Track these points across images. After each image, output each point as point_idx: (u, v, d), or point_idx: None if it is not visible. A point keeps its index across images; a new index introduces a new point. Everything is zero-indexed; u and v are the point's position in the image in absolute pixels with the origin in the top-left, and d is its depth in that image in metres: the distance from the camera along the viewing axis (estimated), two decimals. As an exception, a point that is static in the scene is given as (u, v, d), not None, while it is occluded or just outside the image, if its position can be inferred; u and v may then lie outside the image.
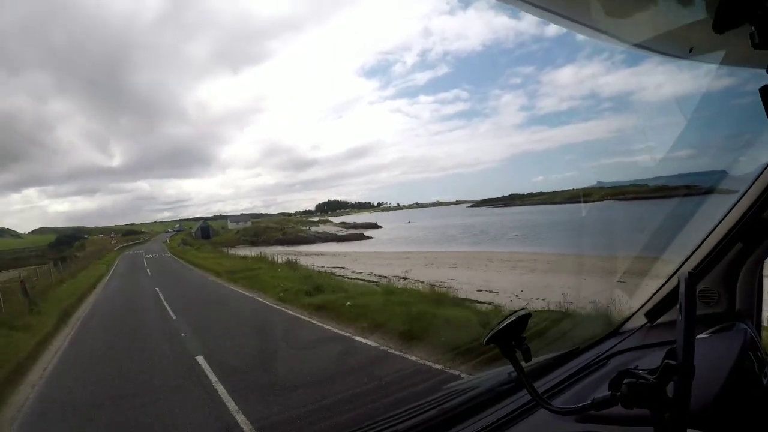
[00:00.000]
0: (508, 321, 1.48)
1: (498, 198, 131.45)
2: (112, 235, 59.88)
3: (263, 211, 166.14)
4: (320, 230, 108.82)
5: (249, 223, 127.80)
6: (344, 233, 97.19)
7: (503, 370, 1.82)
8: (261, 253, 35.02)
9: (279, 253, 36.83)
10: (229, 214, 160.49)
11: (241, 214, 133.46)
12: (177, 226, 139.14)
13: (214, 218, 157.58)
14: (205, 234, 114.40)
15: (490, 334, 1.49)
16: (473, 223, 75.32)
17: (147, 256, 50.54)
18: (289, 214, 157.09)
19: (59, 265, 36.30)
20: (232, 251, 48.36)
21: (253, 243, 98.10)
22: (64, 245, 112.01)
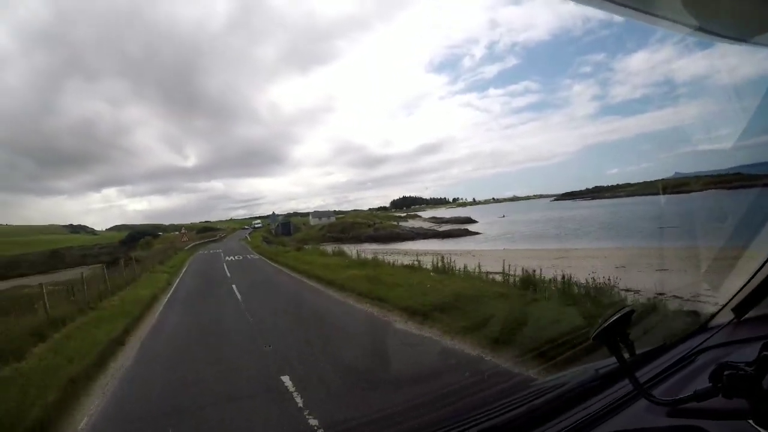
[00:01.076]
0: (613, 318, 1.53)
1: (582, 191, 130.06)
2: (183, 231, 46.21)
3: (335, 209, 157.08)
4: (413, 226, 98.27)
5: (332, 219, 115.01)
6: (442, 229, 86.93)
7: (590, 367, 1.87)
8: (374, 254, 25.17)
9: (384, 252, 29.41)
10: (302, 211, 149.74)
11: (324, 210, 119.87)
12: (257, 222, 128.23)
13: (288, 215, 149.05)
14: (286, 230, 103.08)
15: (596, 331, 1.55)
16: (570, 216, 72.41)
17: (227, 258, 36.94)
18: (362, 212, 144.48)
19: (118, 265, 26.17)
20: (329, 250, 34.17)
21: (340, 240, 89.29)
22: (135, 241, 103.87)
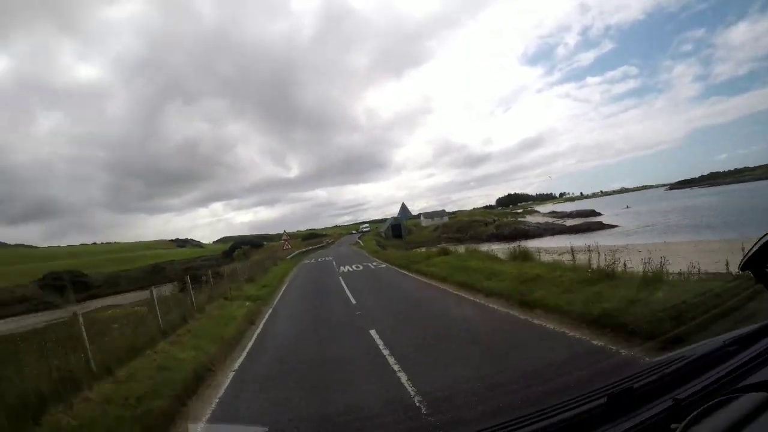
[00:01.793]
0: (756, 246, 1.48)
1: (697, 178, 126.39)
2: (285, 237, 35.55)
3: (439, 209, 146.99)
4: (537, 221, 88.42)
5: (445, 219, 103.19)
6: (570, 223, 78.25)
7: (719, 338, 1.75)
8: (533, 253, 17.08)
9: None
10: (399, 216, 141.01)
11: (435, 210, 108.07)
12: (365, 226, 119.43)
13: (383, 221, 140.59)
14: (397, 232, 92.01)
15: (743, 261, 1.52)
16: (700, 204, 69.27)
17: (342, 268, 26.28)
18: (471, 210, 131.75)
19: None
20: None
21: (459, 240, 78.00)
22: (247, 252, 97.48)
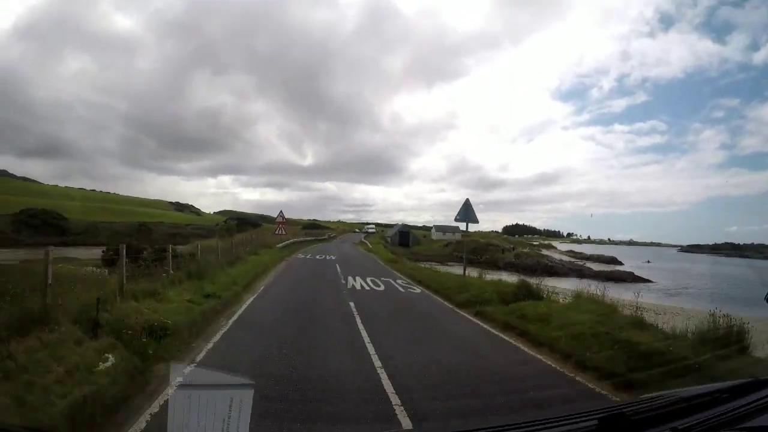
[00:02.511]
0: None
1: (711, 245, 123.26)
2: (278, 221, 25.71)
3: (440, 224, 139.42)
4: (560, 258, 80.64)
5: (458, 236, 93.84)
6: (596, 268, 69.51)
7: (717, 386, 1.78)
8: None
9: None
10: (411, 224, 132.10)
11: (449, 225, 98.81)
12: (371, 227, 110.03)
13: (389, 226, 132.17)
14: (404, 240, 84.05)
15: None
16: (730, 273, 59.70)
17: (352, 282, 17.77)
18: (470, 234, 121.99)
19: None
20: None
21: (471, 263, 67.23)
22: (231, 229, 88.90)
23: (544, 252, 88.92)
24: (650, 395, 1.81)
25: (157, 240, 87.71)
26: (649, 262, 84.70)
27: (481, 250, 78.93)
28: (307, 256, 28.36)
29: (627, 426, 1.40)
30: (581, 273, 60.65)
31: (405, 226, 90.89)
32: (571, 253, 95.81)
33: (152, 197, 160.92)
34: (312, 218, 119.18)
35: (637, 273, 58.30)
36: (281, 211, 28.99)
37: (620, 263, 77.90)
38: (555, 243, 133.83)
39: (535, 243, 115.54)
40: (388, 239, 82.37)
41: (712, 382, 2.22)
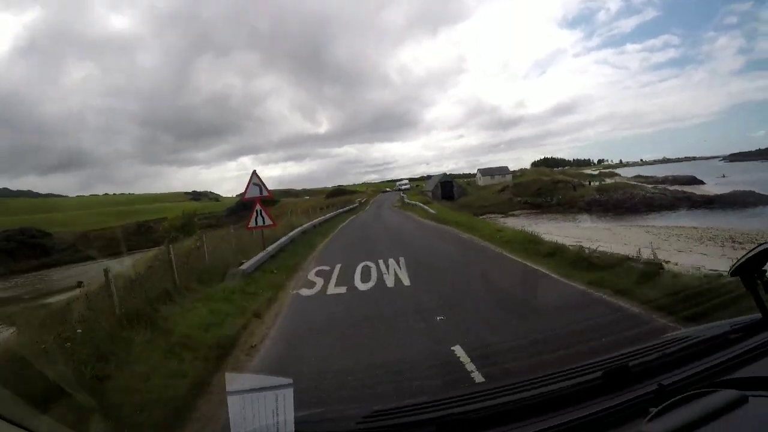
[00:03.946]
0: (751, 254, 1.48)
1: (755, 151, 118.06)
2: (255, 199, 7.15)
3: (467, 172, 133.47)
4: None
5: (508, 177, 76.49)
6: (705, 192, 54.70)
7: (726, 323, 1.76)
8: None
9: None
10: (434, 174, 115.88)
11: (496, 167, 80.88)
12: (404, 182, 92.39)
13: (421, 179, 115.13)
14: (448, 192, 67.67)
15: (734, 266, 1.52)
16: None
17: None
18: (525, 172, 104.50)
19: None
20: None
21: (539, 207, 57.78)
22: (245, 210, 75.14)
23: (607, 181, 71.27)
24: (661, 339, 1.76)
25: (159, 239, 72.86)
26: (724, 176, 73.40)
27: (548, 189, 61.64)
28: (336, 257, 12.40)
29: (629, 378, 1.42)
30: (691, 202, 47.06)
31: (446, 175, 73.40)
32: (639, 178, 78.28)
33: (177, 190, 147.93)
34: (337, 184, 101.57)
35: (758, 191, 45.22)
36: (254, 180, 11.90)
37: (700, 182, 67.54)
38: (619, 170, 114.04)
39: (594, 173, 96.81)
40: (429, 194, 65.36)
41: None
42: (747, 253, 1.49)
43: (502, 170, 78.26)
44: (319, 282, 9.30)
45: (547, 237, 13.01)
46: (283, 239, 14.32)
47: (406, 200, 45.25)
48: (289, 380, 1.38)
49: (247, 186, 12.21)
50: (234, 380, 1.64)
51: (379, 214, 35.02)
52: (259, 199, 12.22)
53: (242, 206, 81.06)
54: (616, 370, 1.44)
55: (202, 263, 9.86)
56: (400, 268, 9.93)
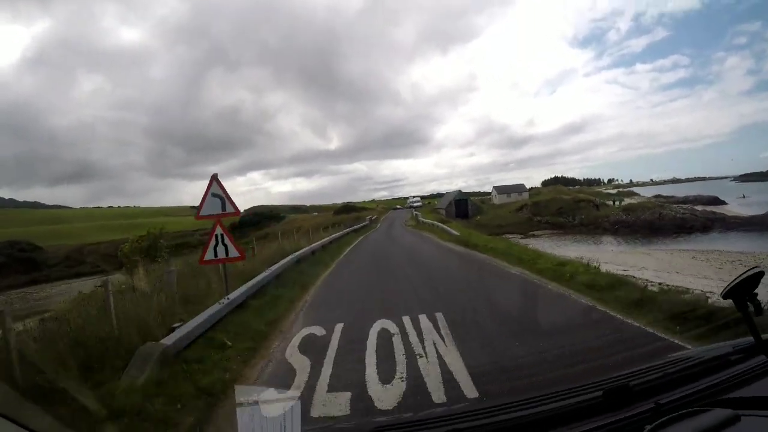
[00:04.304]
0: (742, 277, 1.50)
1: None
2: (215, 218, 8.69)
3: (478, 190, 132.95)
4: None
5: (525, 195, 72.27)
6: (731, 213, 51.24)
7: (726, 344, 1.79)
8: None
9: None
10: (447, 191, 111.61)
11: (511, 184, 76.75)
12: (415, 199, 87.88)
13: (432, 196, 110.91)
14: (462, 210, 63.53)
15: (726, 289, 1.54)
16: None
17: None
18: (540, 191, 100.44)
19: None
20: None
21: (562, 228, 53.53)
22: (249, 226, 68.80)
23: (626, 201, 66.81)
24: (664, 360, 1.80)
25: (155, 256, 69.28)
26: (744, 197, 71.39)
27: (570, 208, 57.26)
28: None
29: (629, 397, 1.43)
30: (726, 224, 43.39)
31: (461, 192, 69.21)
32: (659, 198, 74.00)
33: (183, 204, 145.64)
34: (347, 201, 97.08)
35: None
36: (214, 189, 7.80)
37: (723, 202, 64.48)
38: (636, 189, 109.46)
39: (611, 191, 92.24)
40: (442, 211, 61.24)
41: None
42: (739, 276, 1.50)
43: (519, 188, 74.01)
44: (303, 371, 4.98)
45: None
46: (265, 275, 9.98)
47: (421, 219, 41.03)
48: (297, 393, 1.31)
49: (204, 198, 7.95)
50: (243, 393, 1.57)
51: (392, 235, 30.84)
52: (219, 219, 7.95)
53: (246, 222, 77.24)
54: (615, 389, 1.45)
55: (103, 328, 5.59)
56: (442, 339, 5.65)
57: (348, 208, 74.84)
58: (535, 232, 52.51)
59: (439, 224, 30.90)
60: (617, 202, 59.10)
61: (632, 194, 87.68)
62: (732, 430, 1.17)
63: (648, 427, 1.22)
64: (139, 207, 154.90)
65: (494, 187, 74.64)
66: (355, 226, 37.06)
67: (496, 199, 71.89)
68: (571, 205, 56.96)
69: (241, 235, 70.86)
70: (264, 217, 75.39)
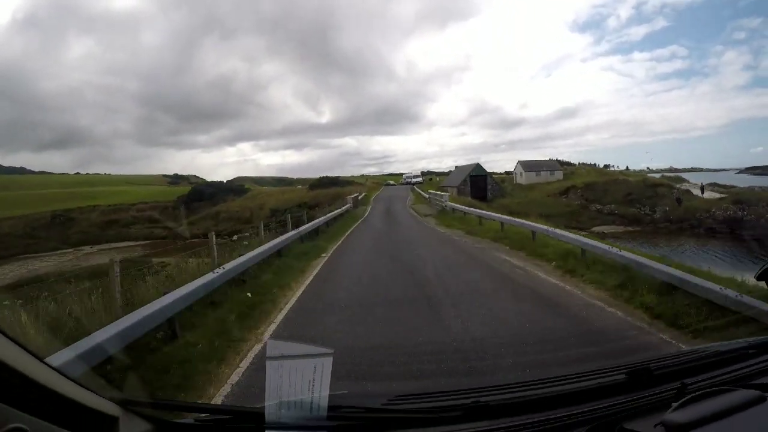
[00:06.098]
0: None
1: None
2: None
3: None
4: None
5: (557, 174, 53.81)
6: None
7: (751, 339, 1.74)
8: None
9: None
10: (435, 170, 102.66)
11: (541, 160, 57.69)
12: (413, 173, 67.64)
13: (428, 173, 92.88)
14: (480, 190, 44.69)
15: (760, 270, 1.50)
16: None
17: None
18: (585, 169, 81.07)
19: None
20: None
21: (637, 222, 36.04)
22: (201, 200, 49.36)
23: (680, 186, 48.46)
24: (683, 350, 1.78)
25: (71, 236, 49.94)
26: None
27: (643, 196, 38.85)
28: None
29: (652, 380, 1.40)
30: None
31: (478, 167, 50.02)
32: (715, 186, 55.71)
33: (173, 173, 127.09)
34: (335, 175, 74.88)
35: None
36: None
37: None
38: (687, 176, 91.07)
39: (655, 176, 73.73)
40: (451, 190, 41.97)
41: None
42: None
43: (551, 165, 55.11)
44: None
45: None
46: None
47: (446, 203, 22.08)
48: (330, 350, 1.33)
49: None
50: (275, 347, 1.50)
51: (398, 234, 15.23)
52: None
53: (198, 194, 57.98)
54: (640, 371, 1.42)
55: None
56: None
57: (327, 182, 54.87)
58: (602, 229, 34.17)
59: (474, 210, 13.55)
60: (701, 191, 40.45)
61: (680, 180, 68.69)
62: (757, 410, 1.14)
63: (674, 404, 1.18)
64: (110, 175, 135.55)
65: (520, 162, 55.43)
66: (329, 215, 18.36)
67: (522, 178, 53.03)
68: (644, 191, 38.28)
69: (189, 212, 50.97)
70: (222, 190, 56.27)
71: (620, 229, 34.65)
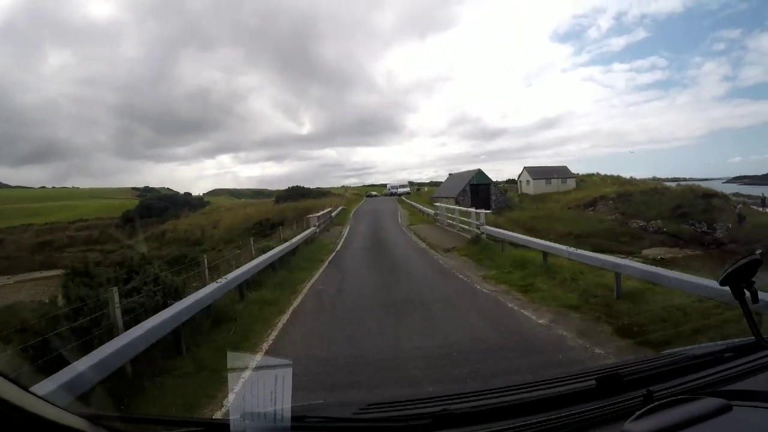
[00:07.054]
0: (739, 264, 1.42)
1: (761, 175, 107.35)
2: None
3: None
4: None
5: (570, 182, 45.25)
6: None
7: (721, 343, 1.72)
8: None
9: None
10: (416, 182, 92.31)
11: (549, 166, 48.84)
12: (398, 183, 58.52)
13: (417, 184, 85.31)
14: (483, 201, 35.49)
15: (723, 275, 1.46)
16: None
17: None
18: (595, 177, 73.54)
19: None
20: None
21: (700, 243, 27.44)
22: (150, 217, 40.40)
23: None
24: (655, 355, 1.75)
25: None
26: None
27: (697, 210, 30.39)
28: None
29: (621, 386, 1.37)
30: None
31: (480, 174, 41.16)
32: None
33: (154, 185, 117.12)
34: (316, 186, 64.73)
35: None
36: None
37: None
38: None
39: (671, 184, 66.43)
40: (447, 201, 33.13)
41: None
42: (736, 263, 1.40)
43: (562, 172, 46.47)
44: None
45: None
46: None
47: (483, 228, 13.08)
48: (288, 361, 1.35)
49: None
50: (235, 359, 1.49)
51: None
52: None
53: (147, 210, 47.77)
54: (608, 377, 1.40)
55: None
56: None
57: (297, 193, 44.89)
58: (654, 252, 25.55)
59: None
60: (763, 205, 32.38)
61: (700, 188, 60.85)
62: (723, 419, 1.12)
63: (638, 412, 1.16)
64: (77, 188, 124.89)
65: (526, 168, 46.69)
66: (277, 250, 9.62)
67: (530, 186, 44.36)
68: (695, 203, 29.74)
69: (134, 231, 40.87)
70: (175, 203, 46.61)
71: (677, 252, 26.06)
